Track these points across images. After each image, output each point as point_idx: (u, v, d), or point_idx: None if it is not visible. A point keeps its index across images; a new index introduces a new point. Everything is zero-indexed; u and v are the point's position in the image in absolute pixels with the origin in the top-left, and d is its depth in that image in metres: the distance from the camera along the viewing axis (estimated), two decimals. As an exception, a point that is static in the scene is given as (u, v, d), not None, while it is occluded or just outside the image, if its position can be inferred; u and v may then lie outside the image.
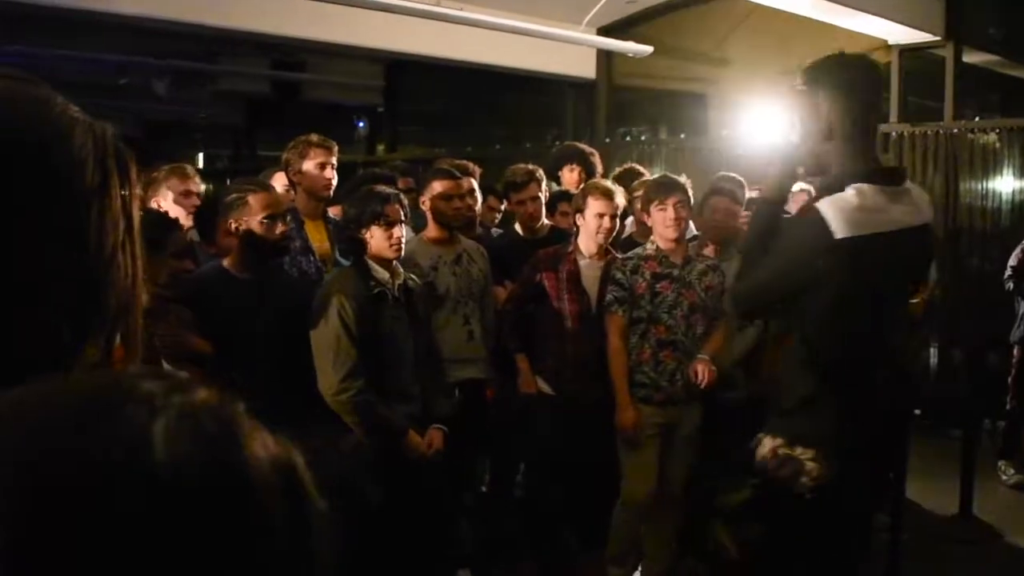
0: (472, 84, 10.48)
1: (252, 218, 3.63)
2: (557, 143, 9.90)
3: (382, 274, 3.81)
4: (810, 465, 2.63)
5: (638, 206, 4.83)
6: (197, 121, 16.36)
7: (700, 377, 4.22)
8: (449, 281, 4.44)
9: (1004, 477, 6.37)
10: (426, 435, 3.86)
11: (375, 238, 3.78)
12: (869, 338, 2.75)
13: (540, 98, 11.39)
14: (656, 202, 4.34)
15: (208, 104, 14.33)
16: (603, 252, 4.50)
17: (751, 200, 4.71)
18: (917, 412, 7.53)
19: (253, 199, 3.66)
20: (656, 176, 5.13)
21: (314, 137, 4.67)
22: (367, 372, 3.69)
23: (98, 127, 0.84)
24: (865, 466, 2.77)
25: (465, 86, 10.90)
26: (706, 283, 4.38)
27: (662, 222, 4.32)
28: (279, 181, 4.71)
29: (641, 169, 6.45)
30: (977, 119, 7.98)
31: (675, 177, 4.56)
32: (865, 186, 2.64)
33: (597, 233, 4.41)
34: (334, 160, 4.63)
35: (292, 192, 4.56)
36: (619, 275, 4.36)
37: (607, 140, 10.09)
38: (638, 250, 4.47)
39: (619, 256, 4.53)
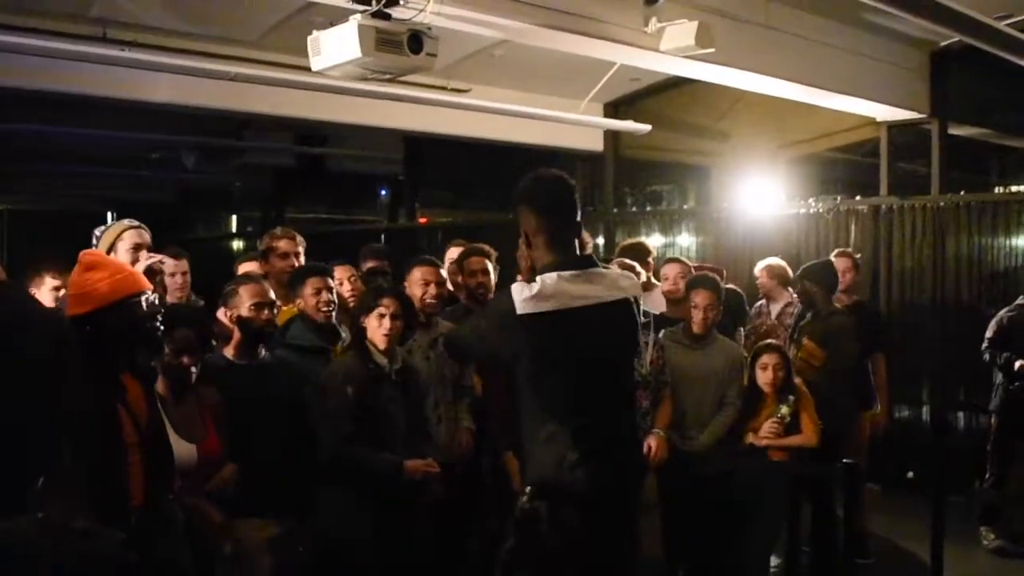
0: (488, 154, 10.93)
1: (241, 306, 4.09)
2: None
3: (380, 358, 4.18)
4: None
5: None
6: (228, 189, 16.96)
7: None
8: (423, 366, 4.63)
9: (985, 543, 6.56)
10: None
11: (371, 327, 4.20)
12: (579, 399, 3.08)
13: (551, 167, 11.79)
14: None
15: (236, 174, 14.96)
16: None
17: None
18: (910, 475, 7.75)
19: (243, 290, 4.13)
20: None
21: (278, 230, 5.22)
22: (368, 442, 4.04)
23: None
24: (604, 517, 3.06)
25: (481, 156, 11.37)
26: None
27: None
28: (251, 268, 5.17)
29: (648, 245, 6.78)
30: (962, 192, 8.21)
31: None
32: (548, 275, 3.07)
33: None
34: (299, 249, 5.09)
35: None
36: None
37: (614, 210, 10.51)
38: None
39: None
